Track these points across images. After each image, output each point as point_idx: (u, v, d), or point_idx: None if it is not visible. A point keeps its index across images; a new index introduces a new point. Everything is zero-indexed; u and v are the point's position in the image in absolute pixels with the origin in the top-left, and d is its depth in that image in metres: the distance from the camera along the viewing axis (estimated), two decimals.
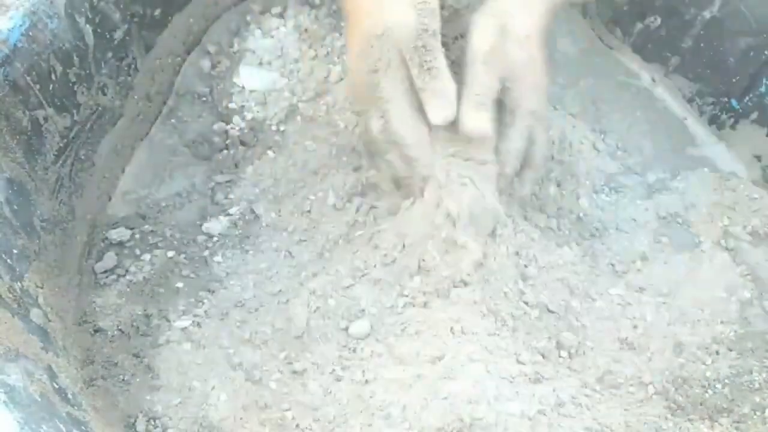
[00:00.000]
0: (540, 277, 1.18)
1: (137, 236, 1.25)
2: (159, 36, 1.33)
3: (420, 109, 1.09)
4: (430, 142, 1.12)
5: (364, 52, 1.08)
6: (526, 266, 1.18)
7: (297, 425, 1.05)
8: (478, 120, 1.07)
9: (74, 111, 1.15)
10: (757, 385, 1.09)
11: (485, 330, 1.11)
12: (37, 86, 1.06)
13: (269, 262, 1.22)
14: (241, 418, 1.07)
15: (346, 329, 1.14)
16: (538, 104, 1.13)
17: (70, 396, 0.94)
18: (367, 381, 1.08)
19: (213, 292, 1.19)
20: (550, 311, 1.16)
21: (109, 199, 1.27)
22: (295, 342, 1.13)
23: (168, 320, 1.15)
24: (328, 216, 1.24)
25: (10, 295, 0.95)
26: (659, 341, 1.15)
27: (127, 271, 1.20)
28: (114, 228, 1.25)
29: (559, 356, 1.13)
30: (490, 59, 1.06)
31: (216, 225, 1.25)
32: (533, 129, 1.14)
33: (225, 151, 1.34)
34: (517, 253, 1.18)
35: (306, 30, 1.41)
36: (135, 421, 1.04)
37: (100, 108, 1.21)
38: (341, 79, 1.34)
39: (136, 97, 1.30)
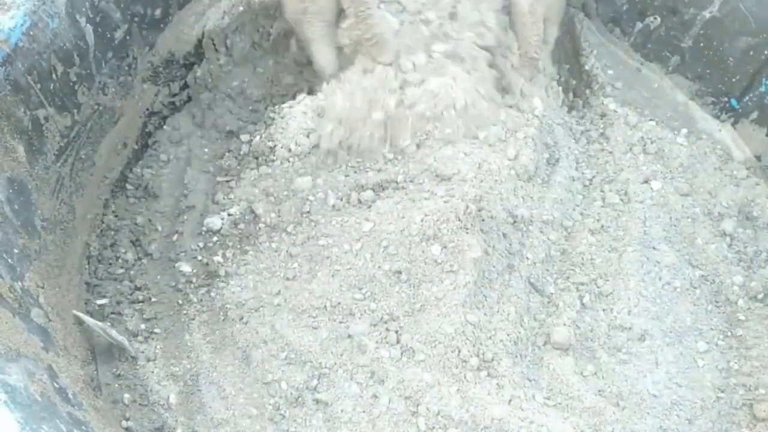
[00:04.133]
0: None
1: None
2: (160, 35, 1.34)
3: None
4: None
5: None
6: None
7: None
8: (535, 71, 1.38)
9: (75, 110, 1.15)
10: None
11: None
12: (38, 86, 1.06)
13: (269, 262, 1.22)
14: (242, 414, 1.07)
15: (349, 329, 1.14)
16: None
17: (70, 396, 0.94)
18: (376, 382, 1.10)
19: (213, 290, 1.20)
20: None
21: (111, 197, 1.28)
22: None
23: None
24: (328, 216, 1.24)
25: (11, 295, 0.95)
26: None
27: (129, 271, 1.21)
28: None
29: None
30: (535, 11, 1.33)
31: (216, 222, 1.26)
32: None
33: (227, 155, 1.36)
34: None
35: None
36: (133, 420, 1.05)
37: (100, 107, 1.21)
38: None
39: (136, 97, 1.30)
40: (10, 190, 1.02)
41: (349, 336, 1.13)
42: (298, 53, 1.41)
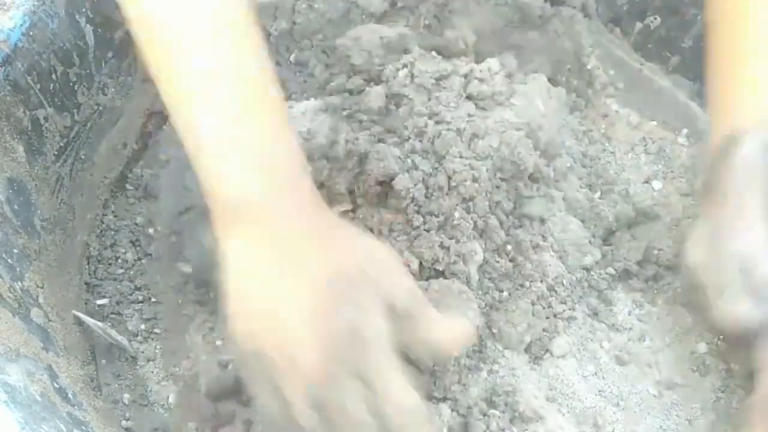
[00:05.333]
0: None
1: None
2: None
3: None
4: None
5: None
6: None
7: None
8: None
9: (75, 110, 1.15)
10: None
11: None
12: (38, 86, 1.06)
13: None
14: None
15: None
16: None
17: (70, 396, 0.94)
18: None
19: (213, 290, 1.19)
20: None
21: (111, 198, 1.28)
22: None
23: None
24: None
25: (11, 295, 0.95)
26: None
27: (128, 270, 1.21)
28: None
29: None
30: None
31: None
32: None
33: None
34: None
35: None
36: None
37: (100, 107, 1.21)
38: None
39: (136, 97, 1.30)
40: (10, 190, 1.02)
41: None
42: (299, 54, 1.42)
